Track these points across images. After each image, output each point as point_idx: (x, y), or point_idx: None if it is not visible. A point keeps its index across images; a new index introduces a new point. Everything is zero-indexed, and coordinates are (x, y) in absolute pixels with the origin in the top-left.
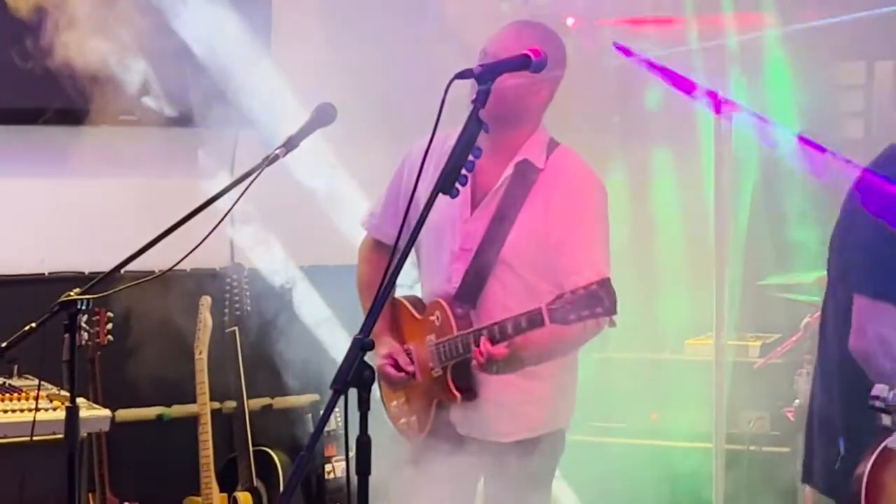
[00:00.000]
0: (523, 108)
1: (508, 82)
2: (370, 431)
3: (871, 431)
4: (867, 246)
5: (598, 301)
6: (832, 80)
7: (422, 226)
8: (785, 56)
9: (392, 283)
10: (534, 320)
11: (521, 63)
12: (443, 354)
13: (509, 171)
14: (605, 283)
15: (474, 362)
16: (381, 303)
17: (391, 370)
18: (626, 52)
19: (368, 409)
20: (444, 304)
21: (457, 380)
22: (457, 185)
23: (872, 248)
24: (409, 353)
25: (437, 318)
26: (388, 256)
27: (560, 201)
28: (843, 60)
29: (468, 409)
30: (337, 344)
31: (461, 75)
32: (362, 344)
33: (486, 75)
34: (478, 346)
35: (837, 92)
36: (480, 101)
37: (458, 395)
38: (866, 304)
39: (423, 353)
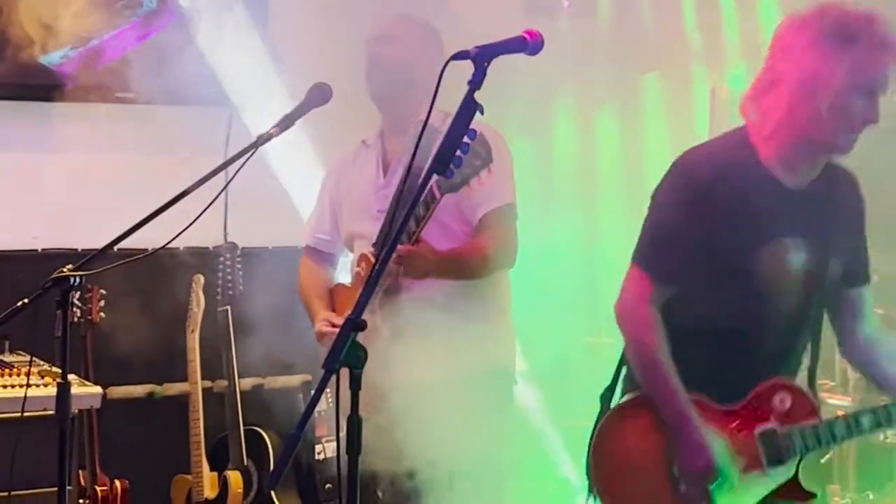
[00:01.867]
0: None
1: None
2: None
3: None
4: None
5: (474, 155)
6: None
7: (413, 210)
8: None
9: (384, 266)
10: (427, 200)
11: (518, 45)
12: None
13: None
14: (478, 137)
15: (393, 267)
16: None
17: (328, 328)
18: None
19: (360, 388)
20: (367, 253)
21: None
22: (451, 166)
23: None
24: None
25: (363, 268)
26: (324, 264)
27: None
28: None
29: None
30: None
31: (457, 56)
32: (354, 324)
33: (482, 57)
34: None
35: None
36: (476, 82)
37: None
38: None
39: None
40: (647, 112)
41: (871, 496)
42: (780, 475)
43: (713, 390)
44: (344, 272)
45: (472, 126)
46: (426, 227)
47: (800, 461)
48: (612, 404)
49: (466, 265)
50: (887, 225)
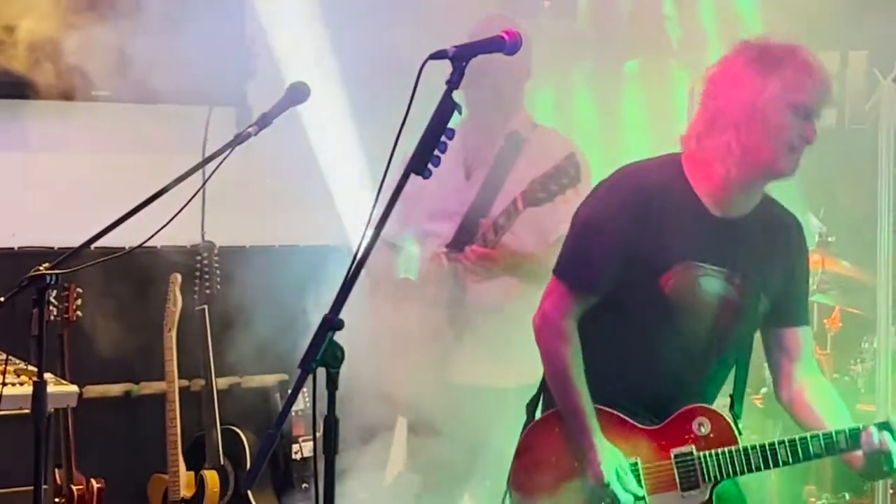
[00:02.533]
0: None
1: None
2: (338, 412)
3: None
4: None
5: (563, 174)
6: None
7: (393, 205)
8: None
9: (363, 262)
10: (509, 211)
11: (496, 45)
12: None
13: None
14: (570, 157)
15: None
16: (353, 282)
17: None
18: None
19: (336, 388)
20: (441, 252)
21: None
22: (429, 165)
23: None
24: None
25: (435, 266)
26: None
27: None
28: (817, 50)
29: None
30: (309, 324)
31: (435, 56)
32: (331, 323)
33: (461, 56)
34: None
35: None
36: (455, 82)
37: None
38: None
39: None
40: (625, 110)
41: (847, 497)
42: (695, 499)
43: (632, 408)
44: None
45: (566, 148)
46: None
47: (714, 486)
48: (537, 415)
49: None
50: (858, 227)
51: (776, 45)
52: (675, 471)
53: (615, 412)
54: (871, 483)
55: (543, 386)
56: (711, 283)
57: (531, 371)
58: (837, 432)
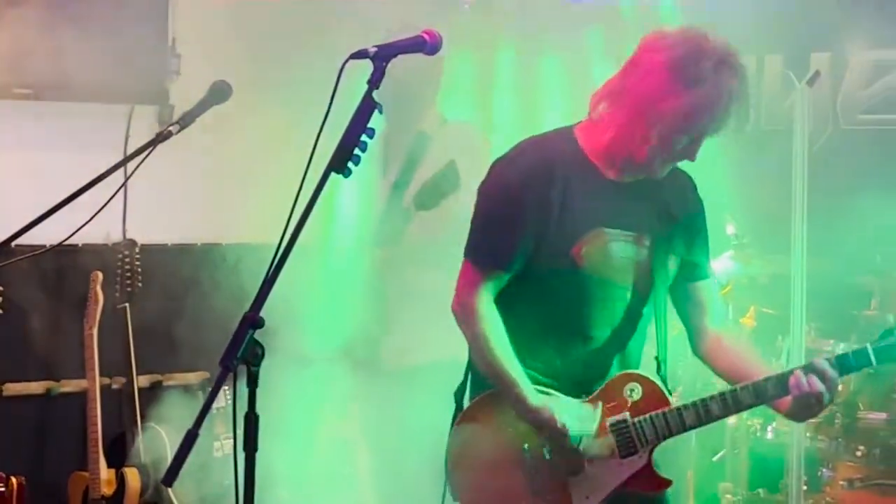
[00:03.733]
0: None
1: None
2: (258, 409)
3: None
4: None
5: (444, 181)
6: None
7: (314, 204)
8: None
9: (284, 260)
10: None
11: (417, 44)
12: None
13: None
14: (450, 164)
15: None
16: (273, 279)
17: None
18: None
19: (257, 386)
20: None
21: None
22: (350, 164)
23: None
24: None
25: None
26: None
27: None
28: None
29: None
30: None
31: (357, 55)
32: (252, 321)
33: (381, 56)
34: None
35: None
36: (375, 81)
37: None
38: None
39: None
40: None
41: (762, 494)
42: (634, 464)
43: (561, 382)
44: None
45: (452, 153)
46: None
47: (652, 450)
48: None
49: None
50: (772, 228)
51: (706, 57)
52: (613, 439)
53: (544, 389)
54: (786, 479)
55: (469, 373)
56: (621, 247)
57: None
58: (765, 380)
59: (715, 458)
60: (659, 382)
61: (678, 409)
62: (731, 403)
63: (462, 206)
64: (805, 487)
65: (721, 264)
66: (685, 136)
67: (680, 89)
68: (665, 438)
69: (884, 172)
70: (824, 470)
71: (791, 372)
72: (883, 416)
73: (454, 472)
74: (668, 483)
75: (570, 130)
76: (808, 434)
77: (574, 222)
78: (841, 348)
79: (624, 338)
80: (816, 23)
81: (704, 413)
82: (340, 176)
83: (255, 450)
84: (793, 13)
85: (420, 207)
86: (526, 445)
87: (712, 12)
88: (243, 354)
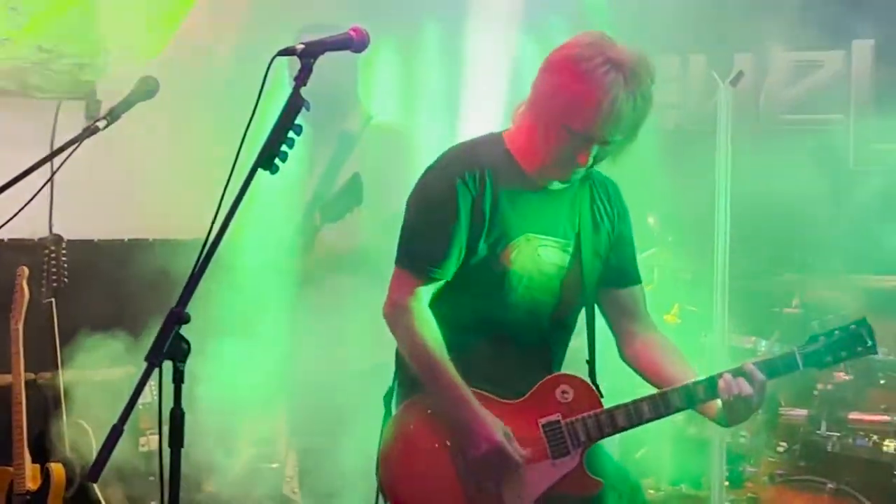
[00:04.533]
0: None
1: None
2: (184, 405)
3: None
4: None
5: (347, 194)
6: None
7: (239, 204)
8: None
9: (211, 256)
10: (314, 222)
11: (344, 42)
12: None
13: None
14: (355, 177)
15: None
16: (200, 275)
17: None
18: None
19: (182, 382)
20: None
21: None
22: (276, 161)
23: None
24: None
25: None
26: None
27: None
28: (659, 53)
29: None
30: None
31: (284, 52)
32: (178, 317)
33: (308, 53)
34: None
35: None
36: (302, 78)
37: None
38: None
39: None
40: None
41: (684, 489)
42: (566, 465)
43: (493, 385)
44: None
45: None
46: None
47: (584, 451)
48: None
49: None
50: (696, 226)
51: (600, 58)
52: (545, 440)
53: (478, 390)
54: (707, 475)
55: (398, 377)
56: (550, 252)
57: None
58: (696, 383)
59: (637, 455)
60: (591, 385)
61: (609, 410)
62: (661, 405)
63: (365, 220)
64: (727, 483)
65: (645, 262)
66: (572, 134)
67: (568, 84)
68: (597, 440)
69: (805, 171)
70: (746, 465)
71: (720, 375)
72: (804, 412)
73: (386, 476)
74: (598, 484)
75: (499, 136)
76: (730, 430)
77: (504, 228)
78: (763, 345)
79: (553, 341)
80: (740, 24)
81: (636, 414)
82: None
83: (181, 445)
84: (716, 14)
85: (326, 220)
86: (458, 446)
87: (638, 13)
88: (169, 350)
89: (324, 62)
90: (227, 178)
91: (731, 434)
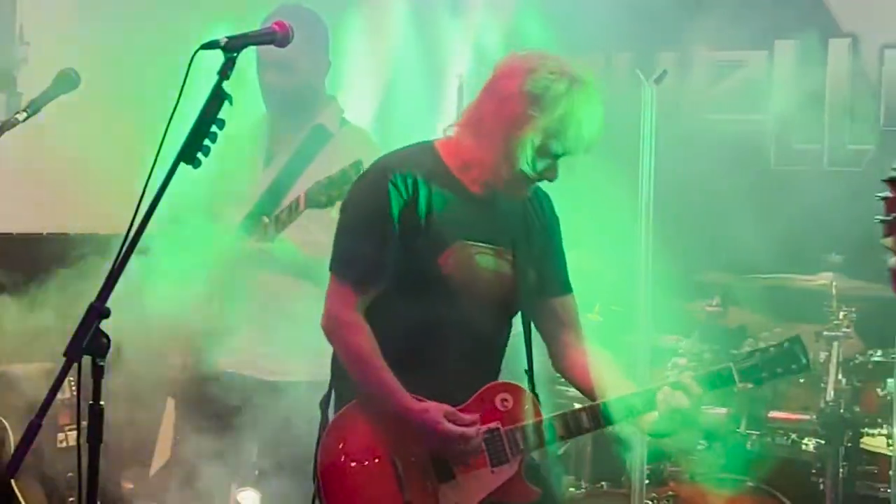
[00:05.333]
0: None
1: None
2: (103, 400)
3: None
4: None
5: (346, 180)
6: None
7: (160, 199)
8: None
9: (132, 250)
10: (291, 207)
11: (267, 36)
12: None
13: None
14: (356, 164)
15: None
16: (121, 270)
17: None
18: None
19: (102, 377)
20: None
21: None
22: (199, 155)
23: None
24: None
25: None
26: None
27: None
28: (584, 51)
29: None
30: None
31: (207, 46)
32: (98, 311)
33: (232, 47)
34: None
35: None
36: (225, 72)
37: None
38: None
39: None
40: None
41: (605, 487)
42: (505, 473)
43: (433, 394)
44: None
45: (358, 153)
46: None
47: (522, 459)
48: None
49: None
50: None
51: (559, 84)
52: (485, 448)
53: (422, 398)
54: (628, 472)
55: (333, 383)
56: (486, 259)
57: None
58: (635, 395)
59: (559, 452)
60: (530, 394)
61: (549, 419)
62: (601, 416)
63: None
64: (647, 481)
65: (568, 259)
66: (543, 158)
67: (535, 114)
68: (536, 448)
69: (728, 170)
70: (667, 463)
71: (659, 388)
72: (724, 410)
73: (325, 483)
74: (536, 494)
75: (430, 146)
76: None
77: (439, 235)
78: (684, 344)
79: (489, 349)
80: (664, 22)
81: (574, 424)
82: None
83: (100, 441)
84: (641, 13)
85: (313, 205)
86: (397, 453)
87: (564, 11)
88: (89, 346)
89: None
90: (149, 171)
91: None
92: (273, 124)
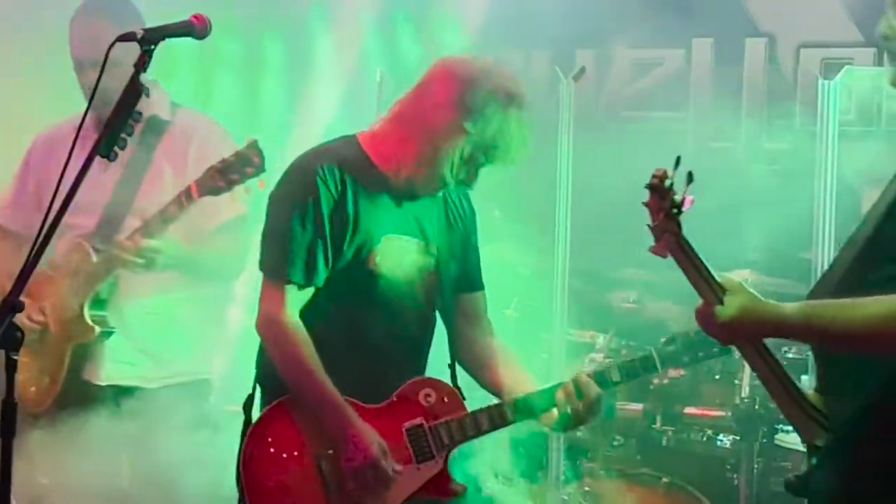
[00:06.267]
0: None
1: None
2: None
3: None
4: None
5: (246, 162)
6: None
7: (75, 192)
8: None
9: (45, 246)
10: (181, 200)
11: (185, 29)
12: None
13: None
14: (252, 144)
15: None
16: (33, 265)
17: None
18: None
19: (16, 371)
20: (82, 243)
21: None
22: (115, 149)
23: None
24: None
25: (75, 259)
26: (16, 242)
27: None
28: (503, 48)
29: None
30: None
31: (123, 38)
32: (11, 305)
33: (149, 39)
34: None
35: None
36: (142, 64)
37: None
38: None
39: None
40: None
41: (521, 483)
42: (430, 469)
43: (361, 392)
44: None
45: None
46: None
47: (447, 454)
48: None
49: (206, 268)
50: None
51: (493, 97)
52: (409, 444)
53: (348, 399)
54: (545, 469)
55: (259, 383)
56: (412, 255)
57: (187, 370)
58: (545, 390)
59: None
60: (454, 389)
61: (473, 413)
62: (522, 408)
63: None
64: (563, 476)
65: (485, 255)
66: (466, 167)
67: (468, 127)
68: (460, 443)
69: (644, 168)
70: (583, 460)
71: (562, 384)
72: (640, 406)
73: (248, 486)
74: (463, 488)
75: (354, 140)
76: None
77: (367, 230)
78: (601, 340)
79: (418, 344)
80: (583, 20)
81: (499, 418)
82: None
83: (13, 436)
84: (560, 10)
85: (208, 192)
86: (321, 454)
87: (483, 8)
88: (2, 339)
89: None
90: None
91: None
92: (100, 123)
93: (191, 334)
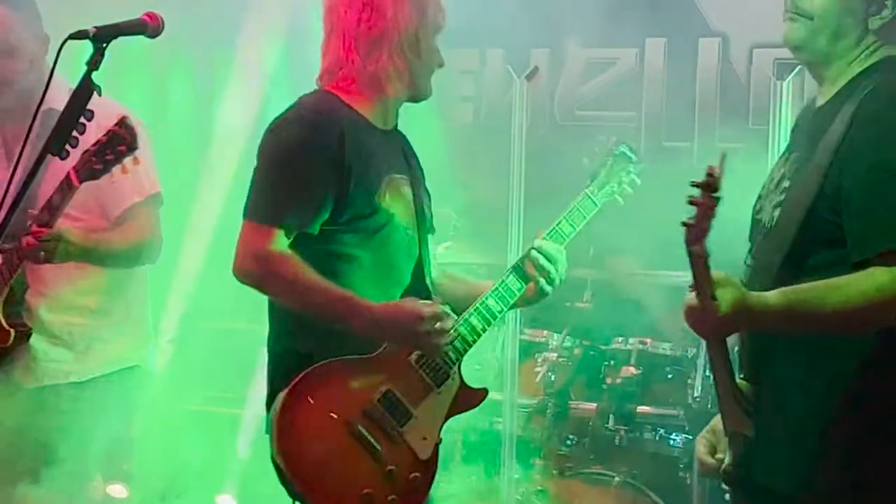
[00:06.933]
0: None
1: None
2: None
3: None
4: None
5: (118, 141)
6: (446, 66)
7: (27, 189)
8: None
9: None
10: (63, 189)
11: (138, 27)
12: None
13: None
14: (123, 121)
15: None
16: None
17: None
18: None
19: None
20: None
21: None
22: (67, 146)
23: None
24: None
25: None
26: None
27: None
28: (457, 47)
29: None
30: None
31: (75, 36)
32: None
33: (101, 38)
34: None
35: (451, 76)
36: (94, 63)
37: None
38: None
39: None
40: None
41: (474, 481)
42: (450, 389)
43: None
44: None
45: (120, 111)
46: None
47: (458, 367)
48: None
49: (115, 253)
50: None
51: None
52: (423, 373)
53: (343, 357)
54: (498, 467)
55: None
56: (406, 190)
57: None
58: (513, 271)
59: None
60: (442, 302)
61: (464, 318)
62: (504, 294)
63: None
64: (517, 475)
65: (440, 253)
66: (431, 40)
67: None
68: (465, 351)
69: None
70: (536, 459)
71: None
72: (593, 405)
73: (288, 462)
74: (485, 391)
75: (326, 91)
76: (520, 423)
77: (369, 173)
78: (555, 339)
79: (420, 275)
80: (537, 19)
81: (486, 311)
82: None
83: None
84: (514, 9)
85: (88, 177)
86: (352, 416)
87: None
88: None
89: None
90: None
91: (522, 427)
92: (3, 118)
93: (111, 323)
